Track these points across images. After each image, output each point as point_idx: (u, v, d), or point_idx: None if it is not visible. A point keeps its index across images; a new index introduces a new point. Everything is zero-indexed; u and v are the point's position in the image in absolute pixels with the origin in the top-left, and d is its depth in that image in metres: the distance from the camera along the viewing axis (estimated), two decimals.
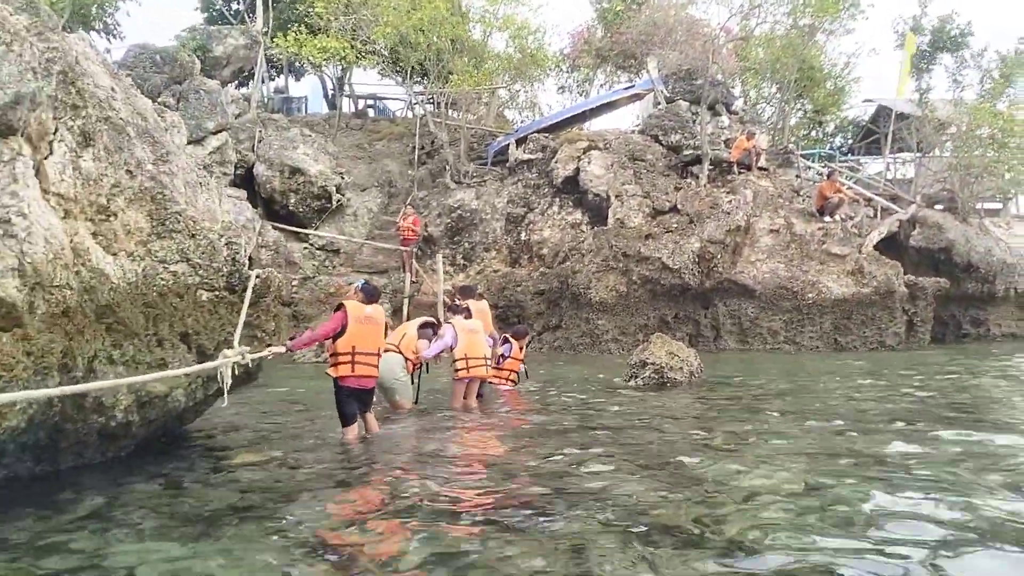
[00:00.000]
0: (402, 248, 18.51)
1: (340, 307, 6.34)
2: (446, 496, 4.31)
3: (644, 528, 3.55)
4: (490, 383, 9.35)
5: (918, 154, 21.26)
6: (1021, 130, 19.52)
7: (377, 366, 6.45)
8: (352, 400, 6.28)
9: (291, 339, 6.24)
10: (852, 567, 2.94)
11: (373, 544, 3.45)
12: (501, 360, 9.61)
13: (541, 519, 3.75)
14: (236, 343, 5.16)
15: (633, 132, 21.00)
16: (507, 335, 9.90)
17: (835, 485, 4.23)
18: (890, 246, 17.61)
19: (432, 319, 9.13)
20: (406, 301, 17.45)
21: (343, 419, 6.29)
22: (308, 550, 3.31)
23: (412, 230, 18.38)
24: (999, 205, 23.29)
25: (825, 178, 18.20)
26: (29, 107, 4.14)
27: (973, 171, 19.50)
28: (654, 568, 3.02)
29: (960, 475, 4.44)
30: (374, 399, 6.84)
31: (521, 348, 9.84)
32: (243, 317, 5.42)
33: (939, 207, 19.69)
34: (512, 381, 9.72)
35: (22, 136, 4.21)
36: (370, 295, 6.64)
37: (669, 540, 3.37)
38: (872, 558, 3.04)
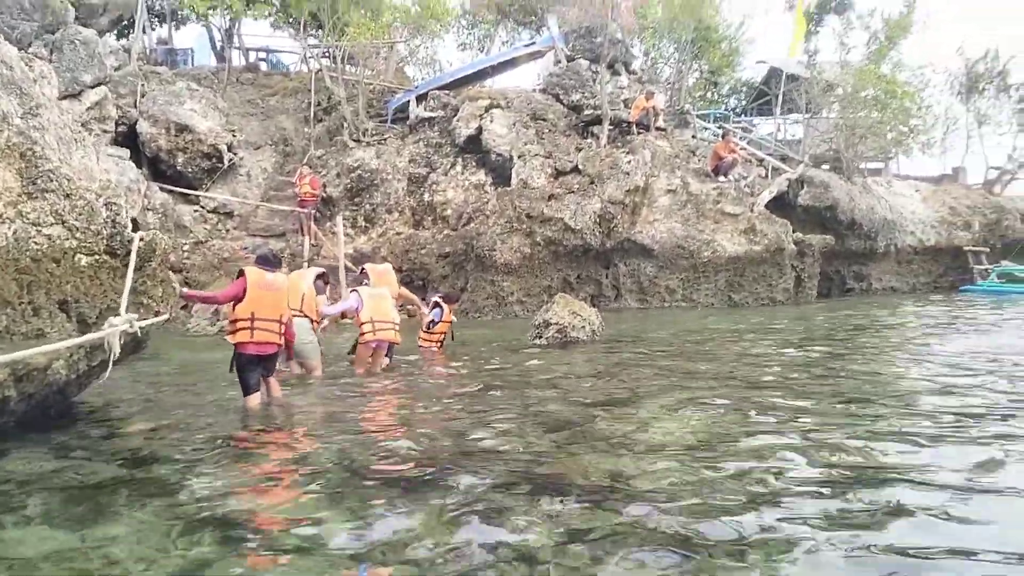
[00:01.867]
0: (300, 211, 17.97)
1: (241, 273, 6.11)
2: (347, 460, 4.22)
3: (551, 484, 3.58)
4: (420, 348, 9.49)
5: (806, 115, 22.08)
6: (903, 92, 20.55)
7: (279, 332, 6.23)
8: (253, 367, 6.11)
9: (184, 288, 5.95)
10: (754, 515, 3.04)
11: (273, 513, 3.34)
12: (431, 325, 9.57)
13: (445, 479, 3.72)
14: (123, 310, 4.87)
15: (535, 90, 20.92)
16: (437, 299, 9.82)
17: (731, 437, 4.38)
18: (780, 205, 18.32)
19: (324, 269, 8.89)
20: (305, 265, 16.96)
21: (244, 388, 6.11)
22: (206, 524, 3.17)
23: (311, 193, 17.85)
24: (881, 165, 24.55)
25: (720, 138, 18.69)
26: None
27: (858, 132, 20.45)
28: (561, 522, 3.03)
29: (840, 420, 4.67)
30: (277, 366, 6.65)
31: (451, 311, 9.78)
32: (128, 282, 5.11)
33: (826, 167, 20.59)
34: (440, 344, 9.67)
35: None
36: (267, 263, 6.42)
37: (576, 494, 3.40)
38: (769, 506, 3.16)
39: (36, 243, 4.62)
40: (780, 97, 24.06)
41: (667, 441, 4.35)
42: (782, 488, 3.41)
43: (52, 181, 4.82)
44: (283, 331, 6.29)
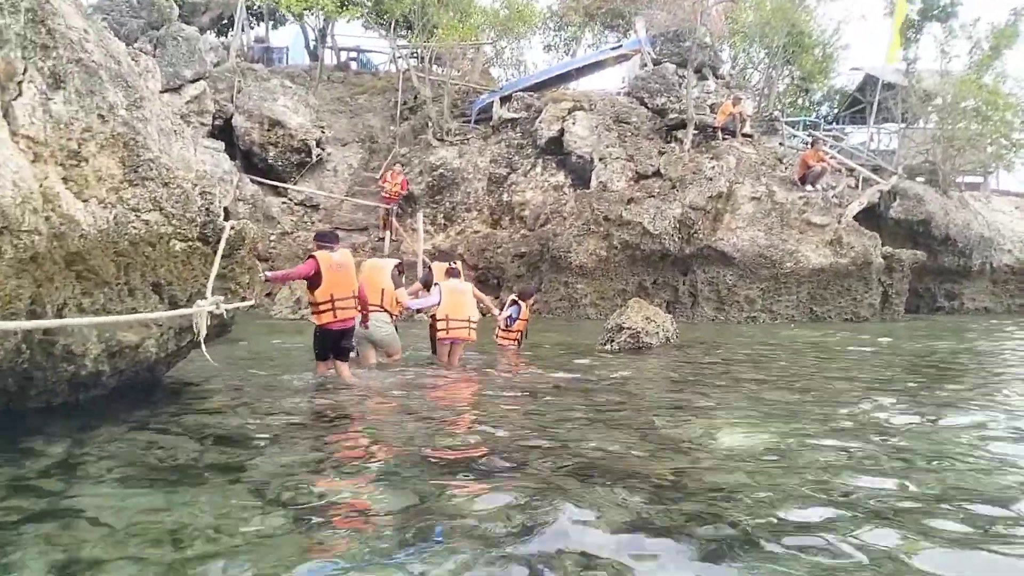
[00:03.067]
0: (383, 206, 18.37)
1: (311, 256, 6.72)
2: (418, 446, 4.33)
3: (619, 477, 3.59)
4: (498, 346, 9.63)
5: (902, 125, 21.26)
6: (1005, 104, 19.56)
7: (354, 307, 6.85)
8: (331, 341, 6.82)
9: (268, 272, 6.80)
10: (823, 523, 2.97)
11: (343, 494, 3.45)
12: (510, 322, 9.64)
13: (514, 470, 3.77)
14: (209, 294, 5.10)
15: (619, 94, 20.80)
16: (514, 296, 9.91)
17: (805, 447, 4.28)
18: (869, 217, 17.71)
19: (400, 260, 9.06)
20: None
21: (320, 355, 6.93)
22: (275, 499, 3.31)
23: (398, 191, 18.25)
24: (980, 179, 23.43)
25: (809, 147, 18.18)
26: None
27: (956, 144, 19.58)
28: (630, 510, 3.05)
29: (928, 442, 4.51)
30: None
31: (528, 308, 9.85)
32: (216, 268, 5.34)
33: (920, 179, 19.80)
34: (517, 341, 9.73)
35: None
36: (326, 239, 7.03)
37: (645, 487, 3.40)
38: (835, 512, 3.08)
39: (134, 227, 4.88)
40: (875, 105, 23.23)
41: (736, 447, 4.29)
42: (852, 499, 3.32)
43: (152, 170, 5.08)
44: (358, 303, 6.92)
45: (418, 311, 8.97)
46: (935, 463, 4.01)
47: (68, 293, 4.49)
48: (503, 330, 9.72)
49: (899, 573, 2.57)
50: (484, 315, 10.61)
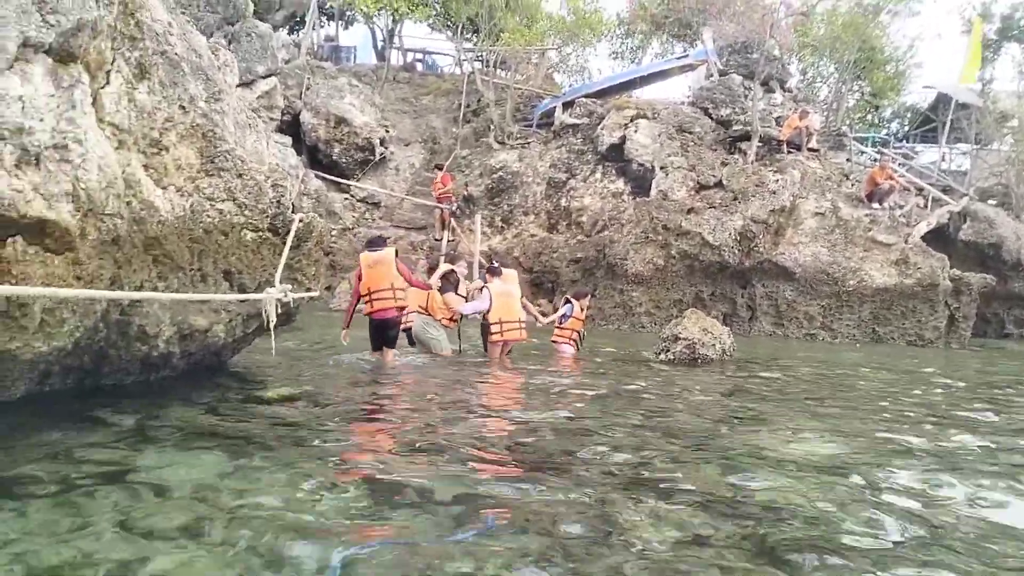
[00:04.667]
0: (439, 206, 18.58)
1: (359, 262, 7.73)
2: (471, 441, 4.37)
3: (668, 487, 3.57)
4: (552, 343, 9.81)
5: (975, 146, 20.61)
6: None
7: (392, 298, 7.50)
8: (378, 331, 7.68)
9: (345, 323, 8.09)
10: (870, 546, 2.91)
11: (397, 479, 3.50)
12: (563, 320, 9.78)
13: (563, 473, 3.78)
14: (277, 282, 5.24)
15: (683, 103, 20.64)
16: (568, 296, 10.07)
17: (865, 465, 4.19)
18: (938, 238, 17.21)
19: (451, 268, 9.19)
20: (442, 259, 17.50)
21: (373, 344, 7.82)
22: (334, 479, 3.39)
23: (443, 191, 18.52)
24: None
25: (877, 164, 17.77)
26: (90, 35, 4.17)
27: None
28: (678, 526, 3.03)
29: (981, 474, 4.37)
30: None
31: (583, 309, 9.94)
32: (284, 258, 5.49)
33: (992, 202, 19.16)
34: (575, 341, 9.80)
35: (81, 64, 4.25)
36: (372, 244, 7.91)
37: (694, 500, 3.37)
38: (889, 540, 3.02)
39: (209, 216, 5.04)
40: (947, 125, 22.56)
41: (790, 463, 4.21)
42: (906, 526, 3.24)
43: (228, 161, 5.24)
44: (396, 296, 7.54)
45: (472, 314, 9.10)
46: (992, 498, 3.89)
47: (145, 276, 4.66)
48: (557, 328, 9.88)
49: None
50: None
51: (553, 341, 9.87)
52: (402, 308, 7.78)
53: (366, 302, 7.59)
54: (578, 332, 9.84)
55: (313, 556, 2.50)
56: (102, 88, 4.62)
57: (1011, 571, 2.77)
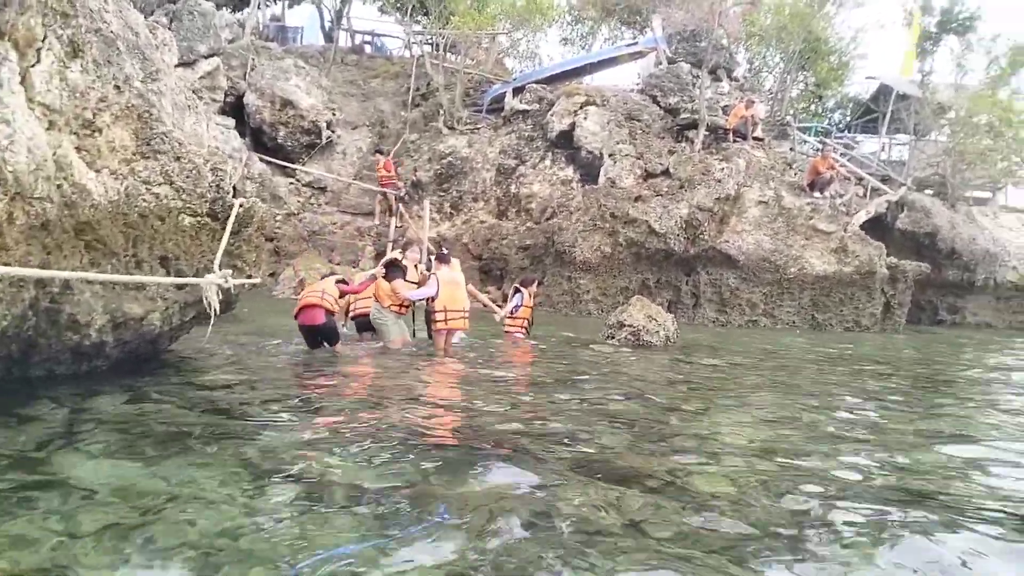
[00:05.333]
0: (386, 191, 18.42)
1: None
2: (415, 430, 4.35)
3: (614, 475, 3.61)
4: (506, 332, 9.92)
5: (914, 136, 21.22)
6: (1018, 120, 19.53)
7: (314, 307, 7.72)
8: (305, 335, 7.84)
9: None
10: (820, 530, 2.99)
11: (336, 470, 3.46)
12: (514, 310, 9.89)
13: (508, 460, 3.79)
14: (216, 268, 5.12)
15: (632, 91, 20.77)
16: (516, 285, 10.15)
17: (797, 451, 4.30)
18: (876, 227, 17.70)
19: (395, 257, 9.13)
20: (389, 245, 17.37)
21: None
22: (271, 474, 3.33)
23: (385, 176, 18.38)
24: (988, 194, 23.39)
25: (819, 153, 18.17)
26: (17, 10, 4.00)
27: (967, 158, 19.55)
28: (621, 512, 3.06)
29: (921, 450, 4.52)
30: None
31: (531, 295, 10.08)
32: (224, 244, 5.37)
33: (929, 192, 19.78)
34: (525, 328, 9.94)
35: (8, 41, 4.07)
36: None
37: (638, 488, 3.42)
38: (827, 519, 3.10)
39: (145, 200, 4.90)
40: (888, 115, 23.18)
41: (731, 448, 4.30)
42: (842, 503, 3.34)
43: (165, 143, 5.09)
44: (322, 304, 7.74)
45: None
46: (925, 474, 4.03)
47: (76, 262, 4.51)
48: (510, 316, 9.96)
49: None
50: (484, 307, 10.70)
51: (505, 330, 9.96)
52: (330, 311, 7.85)
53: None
54: (528, 320, 9.94)
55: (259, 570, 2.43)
56: (32, 66, 4.43)
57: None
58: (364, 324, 8.94)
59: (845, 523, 3.09)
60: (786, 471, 3.89)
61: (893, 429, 5.24)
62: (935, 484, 3.79)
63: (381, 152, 19.39)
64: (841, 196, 17.77)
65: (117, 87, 5.04)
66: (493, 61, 25.00)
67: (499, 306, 10.81)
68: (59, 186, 4.39)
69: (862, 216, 17.04)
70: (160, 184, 5.22)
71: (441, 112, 20.92)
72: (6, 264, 3.93)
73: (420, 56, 22.82)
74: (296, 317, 7.78)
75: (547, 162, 19.24)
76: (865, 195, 18.76)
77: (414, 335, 9.08)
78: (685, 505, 3.22)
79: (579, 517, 2.96)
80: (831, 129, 26.37)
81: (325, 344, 7.82)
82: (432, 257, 9.70)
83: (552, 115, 19.33)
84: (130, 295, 5.03)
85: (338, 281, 8.37)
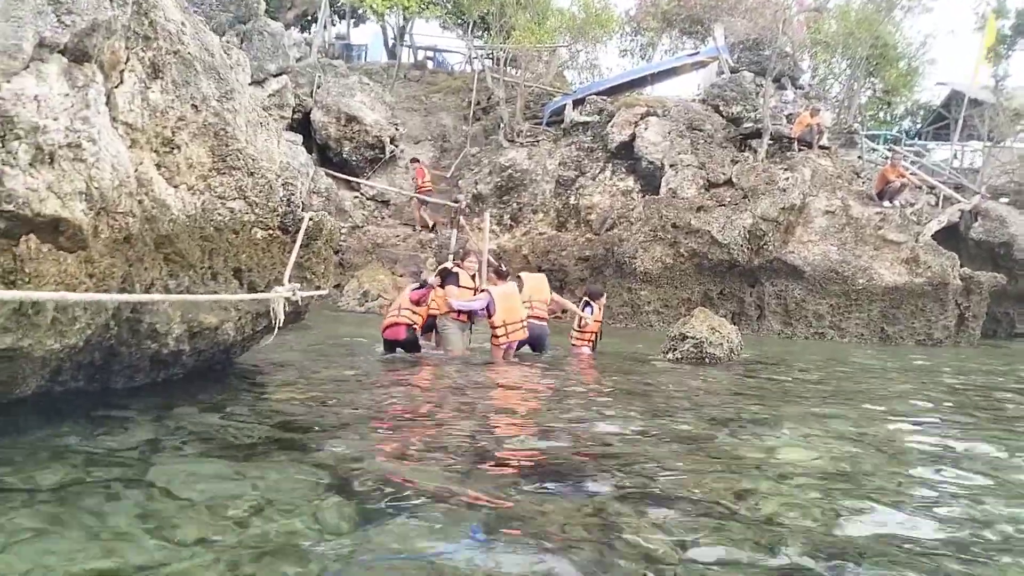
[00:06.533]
0: (435, 201, 18.71)
1: None
2: (478, 446, 4.39)
3: (669, 494, 3.57)
4: (572, 347, 9.87)
5: (988, 143, 20.49)
6: None
7: (397, 324, 8.44)
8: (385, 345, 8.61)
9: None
10: (886, 557, 2.92)
11: (403, 484, 3.53)
12: (583, 324, 9.81)
13: (567, 479, 3.79)
14: (286, 281, 5.28)
15: (694, 101, 20.60)
16: (585, 297, 10.07)
17: (872, 472, 4.20)
18: (949, 236, 17.13)
19: (448, 266, 9.24)
20: (451, 257, 17.56)
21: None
22: (340, 484, 3.42)
23: (422, 184, 18.72)
24: None
25: (888, 161, 17.70)
26: (104, 35, 4.22)
27: None
28: (675, 534, 3.03)
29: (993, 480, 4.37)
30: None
31: (600, 308, 10.00)
32: (294, 257, 5.53)
33: (1004, 200, 19.05)
34: (592, 343, 9.86)
35: (96, 64, 4.30)
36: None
37: (694, 509, 3.38)
38: (906, 548, 3.03)
39: (220, 214, 5.09)
40: (960, 122, 22.43)
41: (796, 469, 4.22)
42: (914, 533, 3.25)
43: (239, 160, 5.28)
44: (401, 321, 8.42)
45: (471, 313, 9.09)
46: (1002, 502, 3.89)
47: (156, 274, 4.71)
48: (578, 330, 9.88)
49: None
50: (559, 318, 10.77)
51: (572, 344, 9.91)
52: (411, 325, 8.51)
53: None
54: (596, 334, 9.89)
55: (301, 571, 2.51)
56: (116, 87, 4.67)
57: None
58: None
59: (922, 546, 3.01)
60: (848, 495, 3.79)
61: (966, 452, 5.07)
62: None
63: (417, 161, 19.70)
64: (912, 205, 17.26)
65: (195, 106, 5.26)
66: (553, 74, 25.11)
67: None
68: (140, 201, 4.60)
69: (934, 226, 16.50)
70: (235, 199, 5.42)
71: (501, 125, 21.10)
72: (91, 275, 4.14)
73: (481, 71, 23.08)
74: (383, 332, 8.58)
75: (607, 173, 19.20)
76: (937, 204, 18.18)
77: (469, 345, 9.11)
78: (740, 528, 3.17)
79: (631, 543, 2.93)
80: (901, 137, 25.65)
81: (400, 350, 8.54)
82: (491, 271, 9.78)
83: (612, 126, 19.29)
84: (205, 306, 5.22)
85: (413, 290, 8.70)
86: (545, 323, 9.54)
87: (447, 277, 8.69)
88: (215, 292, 5.18)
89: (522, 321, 8.61)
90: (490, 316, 8.45)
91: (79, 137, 3.95)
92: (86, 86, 4.07)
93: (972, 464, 4.52)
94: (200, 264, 5.10)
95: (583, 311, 9.86)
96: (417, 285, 8.74)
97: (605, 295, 10.79)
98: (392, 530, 2.89)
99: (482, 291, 8.77)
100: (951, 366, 11.02)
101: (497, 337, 8.44)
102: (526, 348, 9.21)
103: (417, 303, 8.53)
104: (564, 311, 10.80)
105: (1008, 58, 24.06)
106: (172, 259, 4.87)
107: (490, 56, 24.18)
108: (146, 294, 4.65)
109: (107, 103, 4.51)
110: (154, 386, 5.36)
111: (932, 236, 16.19)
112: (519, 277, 9.88)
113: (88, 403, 4.68)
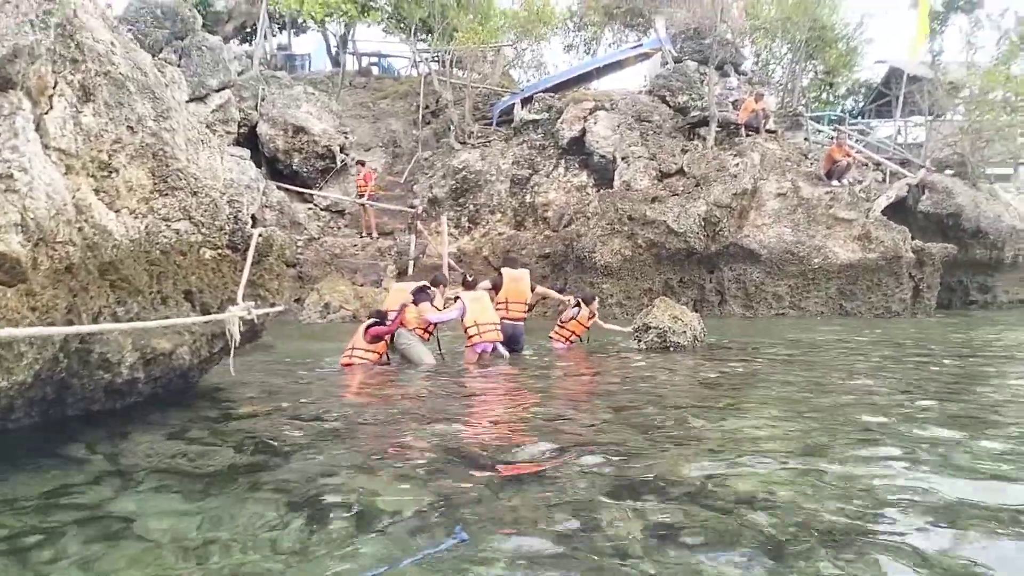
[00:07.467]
0: (408, 210, 18.55)
1: None
2: (447, 447, 4.34)
3: (642, 480, 3.56)
4: (550, 338, 10.11)
5: (929, 117, 20.98)
6: None
7: (350, 357, 8.15)
8: None
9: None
10: (858, 533, 2.94)
11: (369, 495, 3.46)
12: (566, 320, 9.99)
13: (538, 472, 3.77)
14: (240, 300, 5.16)
15: (640, 92, 20.74)
16: (579, 299, 10.20)
17: (839, 450, 4.23)
18: (898, 211, 17.50)
19: (426, 283, 9.15)
20: (410, 263, 17.46)
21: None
22: (308, 504, 3.33)
23: (363, 186, 18.66)
24: (1010, 170, 23.05)
25: (834, 141, 18.02)
26: (28, 60, 4.07)
27: (984, 135, 19.29)
28: (651, 518, 3.02)
29: (956, 450, 4.44)
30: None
31: (591, 315, 10.07)
32: (246, 274, 5.41)
33: (949, 172, 19.53)
34: (570, 341, 10.01)
35: (21, 90, 4.14)
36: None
37: (667, 492, 3.38)
38: (876, 525, 3.05)
39: (165, 237, 4.95)
40: (901, 99, 22.95)
41: (764, 448, 4.24)
42: (879, 500, 3.28)
43: (181, 179, 5.15)
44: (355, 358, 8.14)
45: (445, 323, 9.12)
46: (962, 472, 3.95)
47: (103, 302, 4.56)
48: (559, 325, 10.08)
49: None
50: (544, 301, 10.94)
51: (550, 336, 10.13)
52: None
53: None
54: (577, 335, 10.03)
55: None
56: (45, 113, 4.50)
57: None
58: None
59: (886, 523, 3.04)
60: (815, 470, 3.82)
61: (929, 427, 5.16)
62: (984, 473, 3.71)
63: (363, 164, 19.55)
64: (860, 183, 17.60)
65: (130, 127, 5.11)
66: (499, 73, 25.09)
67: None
68: (80, 229, 4.45)
69: (883, 201, 16.85)
70: (179, 220, 5.27)
71: (452, 128, 21.03)
72: (33, 308, 3.99)
73: (427, 74, 22.98)
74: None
75: (560, 170, 19.25)
76: (884, 180, 18.56)
77: (443, 359, 8.99)
78: (713, 507, 3.17)
79: (610, 532, 2.92)
80: (844, 116, 26.15)
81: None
82: (460, 284, 9.92)
83: (562, 123, 19.35)
84: (157, 331, 5.08)
85: (367, 327, 8.38)
86: (521, 323, 9.54)
87: (421, 294, 8.64)
88: (166, 317, 5.04)
89: (494, 324, 8.63)
90: (462, 320, 8.52)
91: (9, 167, 3.80)
92: (12, 114, 3.92)
93: (934, 440, 4.59)
94: (148, 289, 4.96)
95: (572, 310, 10.02)
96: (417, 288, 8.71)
97: (597, 300, 10.87)
98: (363, 549, 2.83)
99: (455, 299, 8.89)
100: (909, 337, 11.24)
101: (470, 337, 8.49)
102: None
103: (375, 339, 8.24)
104: (545, 298, 10.92)
105: (942, 34, 24.69)
106: (118, 286, 4.72)
107: (436, 59, 24.09)
108: (94, 324, 4.51)
109: (37, 130, 4.35)
110: (112, 413, 5.19)
111: (882, 212, 16.54)
112: (500, 273, 9.84)
113: (40, 438, 4.51)
